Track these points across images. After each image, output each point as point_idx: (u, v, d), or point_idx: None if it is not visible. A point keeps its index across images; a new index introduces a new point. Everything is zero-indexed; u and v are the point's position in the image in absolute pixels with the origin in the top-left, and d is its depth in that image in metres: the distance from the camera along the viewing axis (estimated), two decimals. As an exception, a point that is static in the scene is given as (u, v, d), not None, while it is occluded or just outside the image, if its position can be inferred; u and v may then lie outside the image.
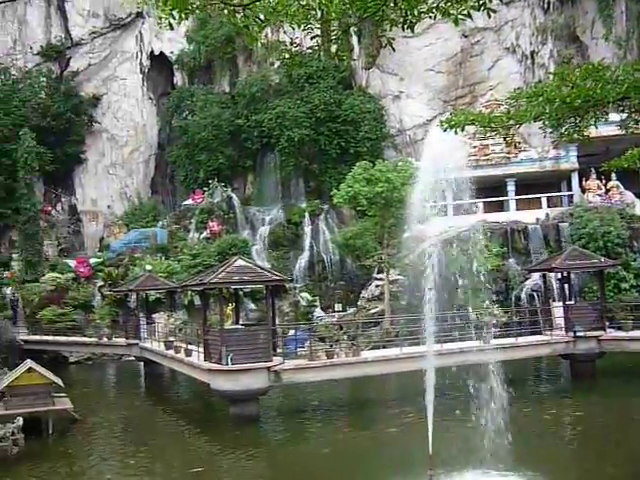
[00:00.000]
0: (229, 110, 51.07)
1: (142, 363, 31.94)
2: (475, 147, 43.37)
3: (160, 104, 57.81)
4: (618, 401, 20.20)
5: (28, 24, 55.15)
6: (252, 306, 38.89)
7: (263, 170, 51.77)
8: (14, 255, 46.01)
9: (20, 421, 17.65)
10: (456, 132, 9.23)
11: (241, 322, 24.55)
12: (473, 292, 27.64)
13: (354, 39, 49.29)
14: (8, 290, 41.69)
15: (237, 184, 52.18)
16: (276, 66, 51.23)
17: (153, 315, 33.67)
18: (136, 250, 45.28)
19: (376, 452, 15.69)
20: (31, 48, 55.09)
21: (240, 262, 20.81)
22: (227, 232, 45.71)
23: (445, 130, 9.17)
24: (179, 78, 56.62)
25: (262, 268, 22.30)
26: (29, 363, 20.46)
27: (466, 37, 50.18)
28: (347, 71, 50.47)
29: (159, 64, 57.27)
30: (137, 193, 55.51)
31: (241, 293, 32.19)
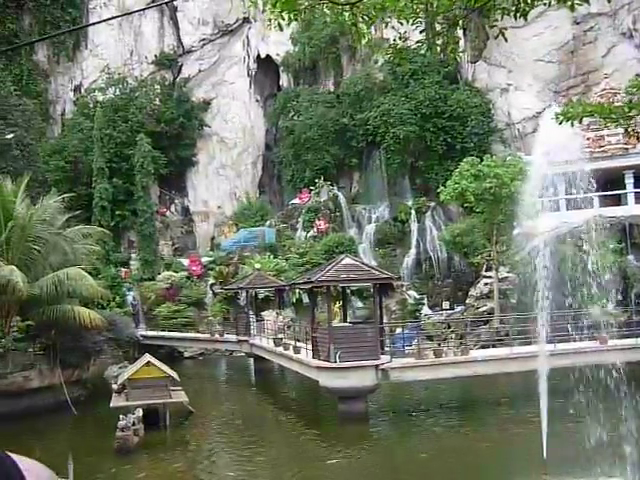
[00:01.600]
0: (334, 109, 51.47)
1: (252, 359, 32.81)
2: (589, 139, 41.40)
3: (267, 106, 59.16)
4: None
5: (143, 35, 57.90)
6: (359, 304, 38.99)
7: (369, 168, 51.83)
8: (132, 255, 48.45)
9: (140, 412, 18.55)
10: (572, 124, 8.83)
11: (349, 320, 24.66)
12: (588, 290, 26.45)
13: (459, 32, 48.31)
14: (131, 292, 43.86)
15: (343, 183, 52.53)
16: (380, 64, 51.11)
17: (262, 312, 34.47)
18: (245, 249, 46.53)
19: (488, 453, 15.33)
20: (146, 57, 57.79)
21: (347, 260, 20.92)
22: (334, 230, 46.08)
23: (560, 123, 8.79)
24: (285, 79, 57.67)
25: (369, 266, 22.32)
26: (148, 357, 21.50)
27: (578, 24, 48.02)
28: (452, 65, 49.55)
29: (265, 67, 58.57)
30: (246, 193, 57.00)
31: (348, 291, 32.34)
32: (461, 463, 14.68)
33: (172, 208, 56.47)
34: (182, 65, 58.58)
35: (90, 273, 27.51)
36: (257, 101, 58.97)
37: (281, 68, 57.46)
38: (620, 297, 31.92)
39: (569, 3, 5.25)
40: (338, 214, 48.36)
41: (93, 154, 47.83)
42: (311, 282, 20.89)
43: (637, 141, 40.30)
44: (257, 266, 39.41)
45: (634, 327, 26.39)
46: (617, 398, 12.76)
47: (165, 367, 21.33)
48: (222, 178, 57.83)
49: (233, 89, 58.12)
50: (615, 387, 12.96)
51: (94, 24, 49.27)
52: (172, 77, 58.20)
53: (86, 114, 52.46)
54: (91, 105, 53.38)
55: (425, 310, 39.58)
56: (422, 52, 46.00)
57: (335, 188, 49.90)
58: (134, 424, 17.71)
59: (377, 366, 19.71)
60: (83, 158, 48.88)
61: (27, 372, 23.52)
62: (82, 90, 56.56)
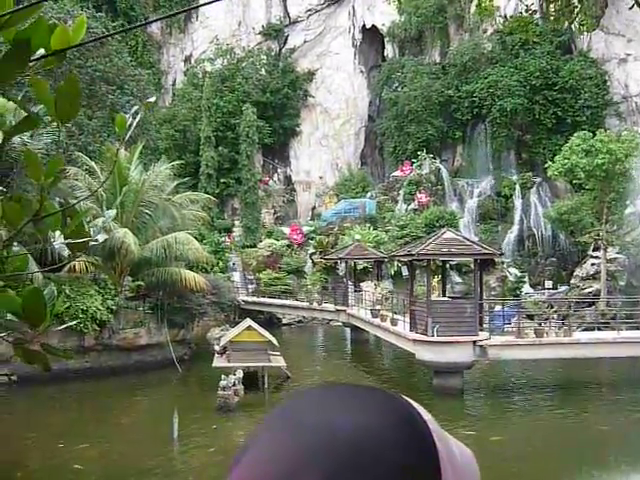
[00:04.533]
0: (439, 81, 50.50)
1: (349, 329, 33.23)
2: None
3: (370, 77, 58.78)
4: None
5: (251, 6, 58.67)
6: (458, 279, 38.57)
7: (473, 141, 50.69)
8: (236, 222, 49.88)
9: (240, 373, 19.31)
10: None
11: (447, 294, 24.49)
12: None
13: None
14: (234, 257, 45.28)
15: (446, 156, 51.67)
16: (489, 33, 49.59)
17: (361, 283, 34.74)
18: (346, 220, 46.86)
19: (588, 439, 14.95)
20: (253, 28, 58.62)
21: (449, 234, 20.73)
22: (435, 204, 45.56)
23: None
24: (390, 50, 57.02)
25: (470, 241, 22.01)
26: (249, 322, 22.26)
27: None
28: (567, 35, 47.36)
29: (370, 37, 58.09)
30: (347, 164, 57.18)
31: (448, 265, 32.03)
32: (557, 446, 14.41)
33: (275, 177, 57.50)
34: (288, 35, 59.04)
35: (196, 238, 28.64)
36: (361, 72, 58.70)
37: (386, 38, 56.81)
38: None
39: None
40: (440, 187, 47.71)
41: (201, 123, 49.37)
42: (411, 255, 20.86)
43: None
44: (357, 237, 39.64)
45: None
46: None
47: (265, 332, 22.02)
48: (324, 148, 58.21)
49: (338, 60, 58.06)
50: None
51: (206, 4, 50.37)
52: (278, 47, 58.83)
53: (195, 84, 54.07)
54: (200, 75, 54.92)
55: (526, 288, 38.63)
56: (534, 21, 44.30)
57: (437, 161, 49.17)
58: (234, 384, 18.47)
59: (475, 342, 19.54)
60: (192, 127, 50.53)
61: (137, 329, 24.92)
62: (192, 61, 58.27)
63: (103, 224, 2.60)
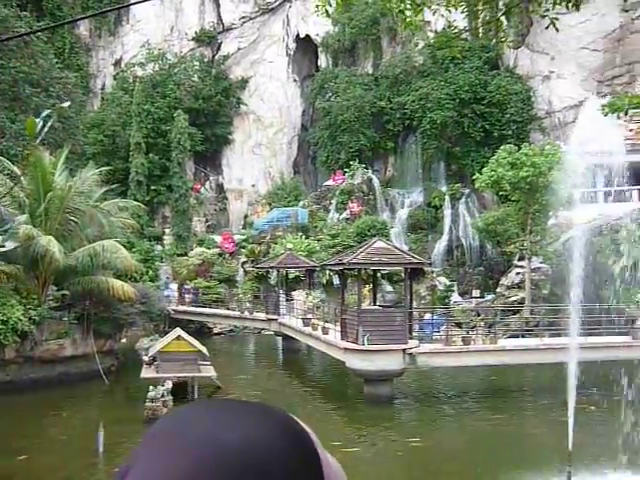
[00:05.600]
0: (372, 92, 51.18)
1: (280, 338, 33.10)
2: (632, 130, 40.54)
3: (304, 86, 59.06)
4: None
5: (184, 11, 58.02)
6: (389, 288, 38.99)
7: (404, 152, 51.55)
8: (166, 230, 49.05)
9: (169, 384, 18.92)
10: (619, 117, 8.74)
11: (378, 303, 24.73)
12: (622, 284, 26.07)
13: (502, 17, 47.58)
14: (164, 266, 44.45)
15: (378, 166, 52.34)
16: (420, 47, 50.60)
17: (292, 292, 34.69)
18: (278, 228, 46.76)
19: (512, 443, 15.33)
20: (186, 34, 57.98)
21: (379, 244, 20.94)
22: (366, 213, 46.01)
23: (606, 114, 8.71)
24: (323, 60, 57.45)
25: (401, 250, 22.31)
26: (179, 331, 21.86)
27: (627, 12, 46.85)
28: (494, 51, 48.84)
29: (304, 46, 58.39)
30: (280, 173, 57.16)
31: (379, 275, 32.37)
32: (482, 451, 14.72)
33: (207, 185, 56.90)
34: (221, 42, 58.67)
35: (124, 246, 27.97)
36: (295, 81, 58.90)
37: (320, 48, 57.25)
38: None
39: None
40: (371, 197, 48.26)
41: (131, 129, 48.38)
42: (342, 264, 20.97)
43: (681, 134, 39.35)
44: (289, 246, 39.60)
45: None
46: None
47: (195, 342, 21.67)
48: (257, 157, 58.04)
49: (271, 68, 58.09)
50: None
51: (136, 3, 49.52)
52: (211, 54, 58.39)
53: (125, 89, 53.00)
54: (130, 80, 53.88)
55: (455, 297, 39.44)
56: (464, 37, 45.50)
57: (370, 171, 49.75)
58: (163, 396, 18.06)
59: (405, 350, 19.78)
60: (121, 132, 49.47)
61: (61, 340, 24.10)
62: (122, 65, 57.09)
63: (12, 230, 2.47)
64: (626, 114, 8.95)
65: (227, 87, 56.08)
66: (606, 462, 12.25)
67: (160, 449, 0.68)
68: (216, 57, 58.18)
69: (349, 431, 16.97)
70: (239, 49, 58.60)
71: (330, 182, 50.33)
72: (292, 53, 58.60)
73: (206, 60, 57.22)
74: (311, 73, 58.82)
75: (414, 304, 27.11)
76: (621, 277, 24.55)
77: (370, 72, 54.40)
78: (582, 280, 12.77)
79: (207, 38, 57.75)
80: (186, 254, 45.50)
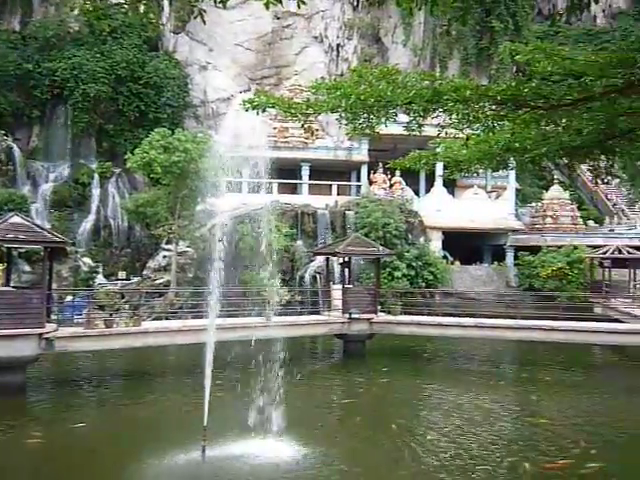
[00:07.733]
0: (17, 52, 46.75)
1: None
2: (275, 128, 44.14)
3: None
4: (382, 377, 21.88)
5: None
6: (27, 268, 36.24)
7: (52, 123, 48.21)
8: None
9: None
10: (257, 113, 9.34)
11: (12, 284, 22.71)
12: (261, 269, 28.23)
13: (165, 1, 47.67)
14: None
15: (20, 135, 48.00)
16: (76, 12, 47.81)
17: None
18: None
19: (150, 424, 15.47)
20: None
21: (16, 219, 19.21)
22: (4, 186, 42.01)
23: (247, 110, 9.24)
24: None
25: (41, 228, 20.78)
26: None
27: (278, 19, 50.79)
28: (154, 32, 48.63)
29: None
30: None
31: (15, 253, 29.83)
32: (118, 434, 14.58)
33: None
34: None
35: None
36: None
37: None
38: (287, 278, 34.79)
39: (264, 0, 5.49)
40: (11, 168, 44.19)
41: None
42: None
43: (315, 137, 44.17)
44: None
45: (297, 306, 29.02)
46: (274, 369, 13.95)
47: None
48: None
49: None
50: (274, 359, 14.15)
51: None
52: None
53: None
54: None
55: (100, 279, 38.43)
56: (124, 11, 44.35)
57: (10, 139, 45.44)
58: None
59: (41, 335, 18.55)
60: None
61: None
62: None
63: None
64: (264, 111, 9.72)
65: None
66: (239, 433, 13.14)
67: None
68: None
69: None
70: None
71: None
72: None
73: None
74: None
75: (55, 285, 25.66)
76: (259, 262, 26.54)
77: (17, 29, 49.57)
78: (224, 265, 13.42)
79: None
80: None
